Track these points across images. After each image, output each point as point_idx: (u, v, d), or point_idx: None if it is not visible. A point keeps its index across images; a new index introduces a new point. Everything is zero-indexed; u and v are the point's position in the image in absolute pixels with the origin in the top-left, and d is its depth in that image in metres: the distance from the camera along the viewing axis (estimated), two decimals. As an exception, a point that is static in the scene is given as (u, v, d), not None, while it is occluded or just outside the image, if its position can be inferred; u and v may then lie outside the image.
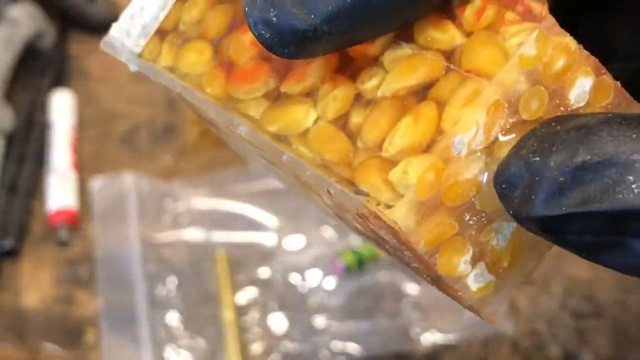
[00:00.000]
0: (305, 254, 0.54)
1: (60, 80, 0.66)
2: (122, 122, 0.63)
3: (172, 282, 0.52)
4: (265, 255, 0.54)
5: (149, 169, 0.59)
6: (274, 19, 0.18)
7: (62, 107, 0.62)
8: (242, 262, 0.53)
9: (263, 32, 0.18)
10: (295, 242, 0.55)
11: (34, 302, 0.52)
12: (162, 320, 0.50)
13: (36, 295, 0.52)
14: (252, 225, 0.55)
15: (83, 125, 0.63)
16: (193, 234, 0.55)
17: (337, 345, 0.50)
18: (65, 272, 0.53)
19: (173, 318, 0.50)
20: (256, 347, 0.49)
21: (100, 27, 0.70)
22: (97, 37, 0.70)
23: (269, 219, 0.56)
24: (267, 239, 0.55)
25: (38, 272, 0.53)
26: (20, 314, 0.51)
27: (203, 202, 0.56)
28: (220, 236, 0.55)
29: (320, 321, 0.51)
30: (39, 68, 0.66)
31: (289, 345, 0.50)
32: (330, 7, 0.17)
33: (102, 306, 0.50)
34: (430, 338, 0.50)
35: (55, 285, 0.53)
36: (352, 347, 0.50)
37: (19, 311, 0.51)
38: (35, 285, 0.53)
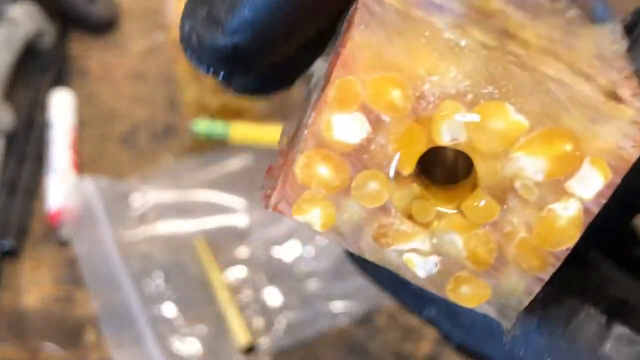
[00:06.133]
0: (278, 228, 0.55)
1: (60, 79, 0.66)
2: (122, 122, 0.63)
3: (158, 276, 0.52)
4: (240, 235, 0.55)
5: (149, 168, 0.59)
6: (196, 42, 0.17)
7: (62, 106, 0.62)
8: (220, 245, 0.54)
9: (193, 57, 0.18)
10: (265, 218, 0.56)
11: (34, 301, 0.52)
12: (159, 314, 0.50)
13: (36, 295, 0.52)
14: (220, 209, 0.56)
15: (83, 125, 0.63)
16: (164, 226, 0.55)
17: (335, 305, 0.51)
18: (66, 272, 0.53)
19: (169, 310, 0.51)
20: (258, 322, 0.50)
21: (101, 27, 0.71)
22: (97, 37, 0.71)
23: (234, 201, 0.57)
24: (237, 220, 0.56)
25: (38, 271, 0.53)
26: (21, 314, 0.51)
27: (165, 194, 0.57)
28: (192, 225, 0.55)
29: (312, 287, 0.52)
30: (39, 68, 0.66)
31: (290, 315, 0.50)
32: (235, 19, 0.17)
33: (98, 310, 0.51)
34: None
35: (55, 285, 0.53)
36: (350, 306, 0.51)
37: (19, 311, 0.51)
38: (36, 285, 0.53)
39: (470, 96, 0.16)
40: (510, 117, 0.16)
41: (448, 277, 0.18)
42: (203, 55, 0.17)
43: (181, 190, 0.57)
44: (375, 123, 0.16)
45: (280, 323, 0.50)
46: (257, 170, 0.59)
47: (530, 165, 0.16)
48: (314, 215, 0.18)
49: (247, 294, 0.52)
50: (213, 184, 0.58)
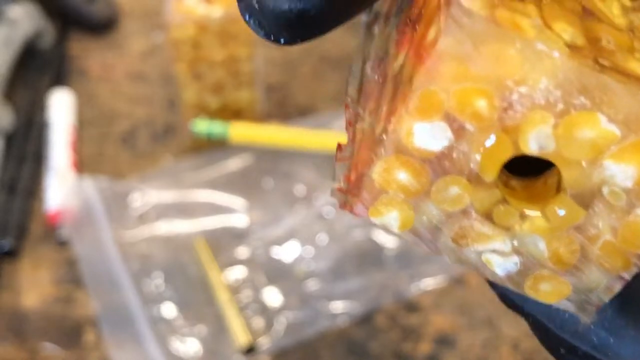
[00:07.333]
0: (278, 228, 0.55)
1: (59, 79, 0.66)
2: (122, 122, 0.63)
3: (157, 276, 0.52)
4: (239, 235, 0.55)
5: (149, 168, 0.59)
6: (256, 5, 0.16)
7: (61, 106, 0.62)
8: (219, 245, 0.54)
9: (251, 22, 0.16)
10: (265, 218, 0.56)
11: (34, 301, 0.52)
12: (158, 314, 0.50)
13: (36, 295, 0.52)
14: (220, 209, 0.56)
15: (83, 125, 0.63)
16: (164, 226, 0.55)
17: (335, 306, 0.51)
18: (65, 272, 0.53)
19: (168, 310, 0.50)
20: (257, 322, 0.50)
21: (100, 27, 0.70)
22: (96, 37, 0.71)
23: (234, 201, 0.57)
24: (237, 220, 0.56)
25: (37, 272, 0.53)
26: (20, 314, 0.51)
27: (165, 194, 0.57)
28: (192, 225, 0.55)
29: (312, 287, 0.52)
30: (39, 68, 0.66)
31: (289, 315, 0.50)
32: None
33: (98, 310, 0.50)
34: (418, 285, 0.52)
35: (54, 285, 0.52)
36: (350, 306, 0.51)
37: (19, 311, 0.51)
38: (35, 285, 0.52)
39: (561, 106, 0.15)
40: (602, 127, 0.15)
41: (528, 275, 0.18)
42: (264, 20, 0.16)
43: (181, 190, 0.57)
44: (459, 131, 0.16)
45: (280, 323, 0.50)
46: (257, 170, 0.59)
47: (620, 173, 0.16)
48: (392, 217, 0.17)
49: (247, 294, 0.52)
50: (213, 184, 0.58)
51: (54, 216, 0.55)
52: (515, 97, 0.15)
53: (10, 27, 0.63)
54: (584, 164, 0.16)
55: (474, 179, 0.16)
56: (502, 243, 0.17)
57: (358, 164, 0.18)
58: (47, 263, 0.54)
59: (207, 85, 0.58)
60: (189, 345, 0.49)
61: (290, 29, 0.16)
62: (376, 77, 0.18)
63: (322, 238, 0.54)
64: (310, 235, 0.54)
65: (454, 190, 0.17)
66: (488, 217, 0.17)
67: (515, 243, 0.17)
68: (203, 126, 0.58)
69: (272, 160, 0.59)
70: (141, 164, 0.60)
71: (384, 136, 0.16)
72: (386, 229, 0.18)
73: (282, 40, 0.17)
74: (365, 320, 0.50)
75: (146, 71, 0.67)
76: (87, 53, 0.69)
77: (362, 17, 0.20)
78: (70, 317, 0.51)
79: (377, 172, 0.17)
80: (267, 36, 0.17)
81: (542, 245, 0.17)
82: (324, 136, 0.59)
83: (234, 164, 0.59)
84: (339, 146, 0.18)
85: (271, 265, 0.53)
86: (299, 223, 0.55)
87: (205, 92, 0.59)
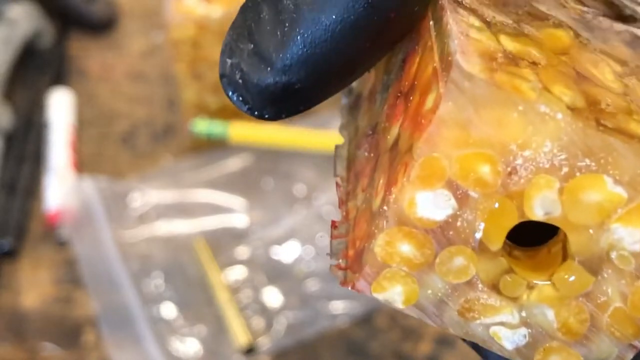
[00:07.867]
0: (278, 228, 0.55)
1: (59, 79, 0.66)
2: (122, 122, 0.63)
3: (157, 275, 0.52)
4: (239, 235, 0.55)
5: (148, 168, 0.59)
6: (240, 80, 0.16)
7: (60, 106, 0.62)
8: (219, 246, 0.54)
9: (234, 97, 0.16)
10: (265, 218, 0.55)
11: (33, 302, 0.52)
12: (158, 314, 0.50)
13: (35, 295, 0.52)
14: (219, 209, 0.56)
15: (82, 125, 0.63)
16: (164, 226, 0.55)
17: (335, 306, 0.51)
18: (64, 272, 0.53)
19: (168, 310, 0.50)
20: (257, 322, 0.50)
21: (100, 27, 0.70)
22: (96, 37, 0.71)
23: (234, 201, 0.57)
24: (237, 221, 0.56)
25: (37, 272, 0.53)
26: (19, 314, 0.51)
27: (165, 194, 0.57)
28: (191, 225, 0.55)
29: (312, 287, 0.52)
30: (38, 67, 0.66)
31: (289, 315, 0.50)
32: (288, 56, 0.15)
33: (97, 310, 0.50)
34: None
35: (54, 285, 0.52)
36: (350, 306, 0.51)
37: (18, 311, 0.51)
38: (34, 285, 0.52)
39: (565, 169, 0.15)
40: (608, 190, 0.15)
41: (537, 348, 0.17)
42: (248, 95, 0.16)
43: (181, 190, 0.57)
44: (462, 199, 0.15)
45: (280, 323, 0.50)
46: (257, 170, 0.59)
47: (628, 236, 0.15)
48: (396, 292, 0.17)
49: (246, 294, 0.51)
50: (213, 184, 0.57)
51: (53, 216, 0.55)
52: (519, 161, 0.15)
53: (10, 27, 0.63)
54: (590, 229, 0.15)
55: (479, 249, 0.16)
56: (509, 315, 0.17)
57: (356, 240, 0.17)
58: (47, 263, 0.54)
59: (207, 85, 0.58)
60: (189, 345, 0.49)
61: (275, 103, 0.16)
62: (366, 154, 0.18)
63: (322, 238, 0.54)
64: (310, 235, 0.54)
65: (459, 261, 0.16)
66: (494, 288, 0.16)
67: (524, 314, 0.17)
68: (203, 126, 0.58)
69: (272, 160, 0.59)
70: (141, 164, 0.60)
71: (385, 207, 0.16)
72: (390, 305, 0.17)
73: (266, 116, 0.16)
74: (365, 320, 0.50)
75: (146, 71, 0.67)
76: (87, 53, 0.69)
77: (342, 99, 0.20)
78: (69, 317, 0.51)
79: (379, 245, 0.16)
80: (250, 111, 0.16)
81: (550, 315, 0.17)
82: (324, 136, 0.59)
83: (234, 164, 0.59)
84: (333, 224, 0.18)
85: (271, 265, 0.53)
86: (299, 223, 0.55)
87: (205, 92, 0.59)
